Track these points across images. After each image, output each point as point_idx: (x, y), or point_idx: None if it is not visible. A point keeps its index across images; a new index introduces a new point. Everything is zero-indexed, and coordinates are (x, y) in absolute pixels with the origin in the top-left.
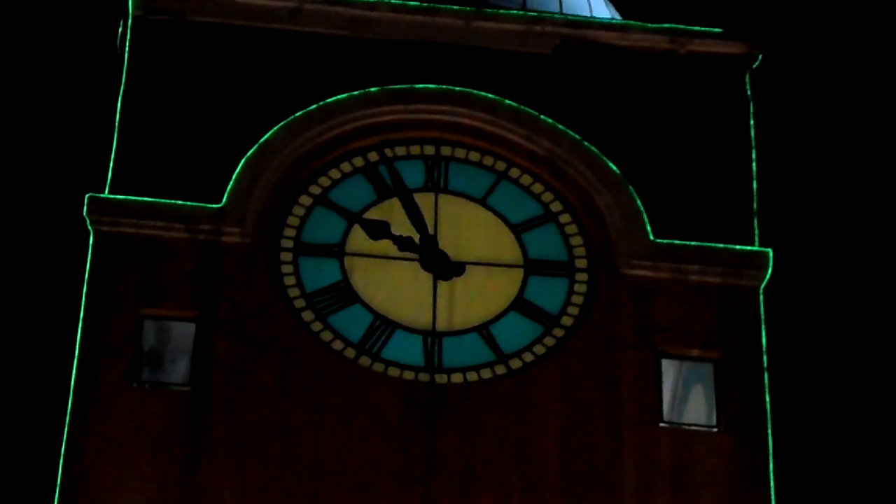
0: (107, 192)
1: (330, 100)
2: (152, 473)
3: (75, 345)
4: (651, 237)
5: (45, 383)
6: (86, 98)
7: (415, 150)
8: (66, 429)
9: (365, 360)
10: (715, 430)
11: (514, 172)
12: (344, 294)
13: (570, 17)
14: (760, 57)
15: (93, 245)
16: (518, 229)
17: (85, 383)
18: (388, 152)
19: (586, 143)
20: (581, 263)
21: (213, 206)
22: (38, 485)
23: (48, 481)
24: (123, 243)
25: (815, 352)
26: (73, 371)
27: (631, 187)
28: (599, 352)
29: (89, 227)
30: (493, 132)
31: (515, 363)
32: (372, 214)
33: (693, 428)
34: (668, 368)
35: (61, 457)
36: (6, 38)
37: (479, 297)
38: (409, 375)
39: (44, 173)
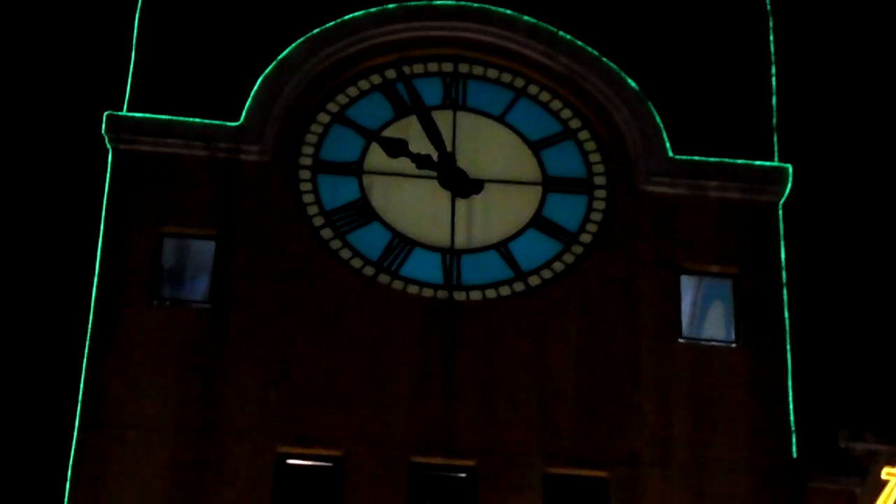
0: (125, 110)
1: (347, 17)
2: (173, 391)
3: (95, 263)
4: (670, 153)
5: (66, 301)
6: (103, 15)
7: (432, 67)
8: (86, 347)
9: (384, 278)
10: (734, 345)
11: (533, 89)
12: (362, 212)
13: None
14: None
15: (112, 163)
16: (537, 146)
17: (106, 302)
18: (405, 70)
19: (605, 60)
20: (600, 180)
21: (232, 123)
22: (59, 404)
23: (69, 401)
24: (142, 161)
25: (835, 267)
26: (94, 290)
27: (650, 103)
28: (618, 269)
29: (108, 146)
30: (512, 49)
31: (534, 280)
32: (390, 132)
33: (712, 344)
34: (687, 284)
35: (82, 375)
36: None
37: (497, 214)
38: (428, 293)
39: (62, 91)
